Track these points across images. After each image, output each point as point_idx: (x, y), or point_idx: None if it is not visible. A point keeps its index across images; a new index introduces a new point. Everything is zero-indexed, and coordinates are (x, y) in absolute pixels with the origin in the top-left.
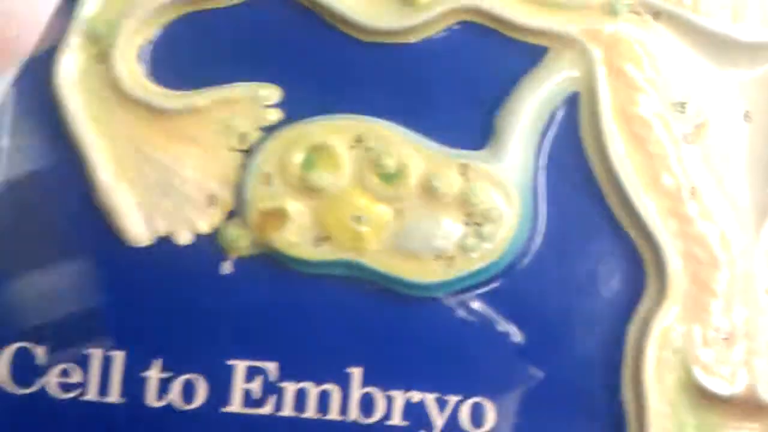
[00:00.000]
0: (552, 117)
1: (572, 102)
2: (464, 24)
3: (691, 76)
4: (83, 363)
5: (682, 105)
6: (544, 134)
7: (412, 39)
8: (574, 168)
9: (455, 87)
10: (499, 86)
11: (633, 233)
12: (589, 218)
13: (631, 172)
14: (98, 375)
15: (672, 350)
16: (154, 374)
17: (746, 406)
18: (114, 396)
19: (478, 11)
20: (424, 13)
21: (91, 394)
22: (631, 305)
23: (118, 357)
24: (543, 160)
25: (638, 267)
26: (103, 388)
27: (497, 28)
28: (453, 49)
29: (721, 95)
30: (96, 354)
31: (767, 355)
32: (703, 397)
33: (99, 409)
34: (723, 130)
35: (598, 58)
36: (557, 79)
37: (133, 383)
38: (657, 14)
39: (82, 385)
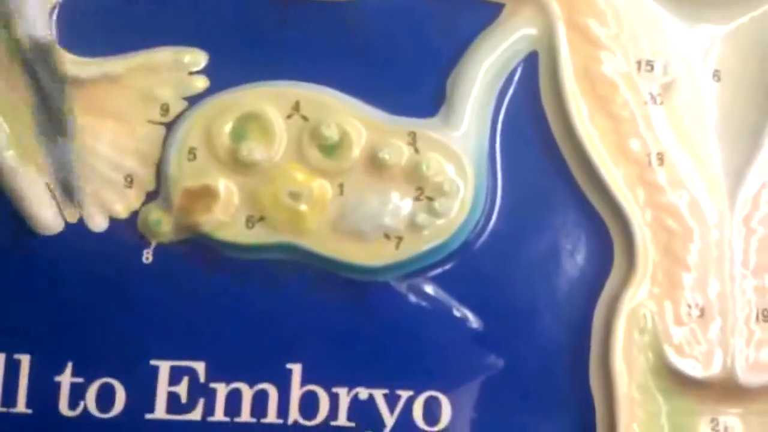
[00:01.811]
0: (509, 79)
1: (530, 62)
2: None
3: (657, 32)
4: None
5: (649, 63)
6: (500, 98)
7: None
8: (534, 135)
9: (403, 49)
10: (451, 47)
11: (598, 204)
12: (550, 189)
13: (595, 138)
14: (2, 382)
15: (642, 330)
16: (66, 379)
17: (723, 389)
18: (21, 405)
19: None
20: None
21: None
22: (598, 283)
23: (25, 361)
24: (500, 127)
25: (605, 241)
26: (9, 397)
27: None
28: (400, 6)
29: (690, 53)
30: None
31: (744, 333)
32: (676, 381)
33: (4, 420)
34: (692, 89)
35: (557, 14)
36: (514, 37)
37: (43, 390)
38: None
39: None
